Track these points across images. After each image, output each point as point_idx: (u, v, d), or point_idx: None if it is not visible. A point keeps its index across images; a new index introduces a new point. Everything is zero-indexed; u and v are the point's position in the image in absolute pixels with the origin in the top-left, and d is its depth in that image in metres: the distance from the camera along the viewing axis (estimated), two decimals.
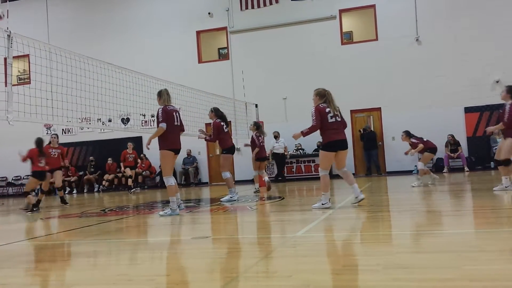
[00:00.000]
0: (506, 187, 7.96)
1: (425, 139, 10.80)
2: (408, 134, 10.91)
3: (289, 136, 15.13)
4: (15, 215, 9.96)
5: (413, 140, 10.71)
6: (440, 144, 16.14)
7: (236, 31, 18.52)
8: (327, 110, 6.96)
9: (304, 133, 7.06)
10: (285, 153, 16.50)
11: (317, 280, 3.08)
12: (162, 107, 7.37)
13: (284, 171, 16.69)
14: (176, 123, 7.41)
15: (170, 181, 7.34)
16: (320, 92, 7.11)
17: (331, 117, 6.96)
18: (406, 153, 11.23)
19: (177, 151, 7.46)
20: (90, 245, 5.22)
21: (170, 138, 7.30)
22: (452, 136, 15.91)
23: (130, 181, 15.41)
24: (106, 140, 19.37)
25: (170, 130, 7.26)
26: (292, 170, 16.80)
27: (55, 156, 11.33)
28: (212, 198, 10.84)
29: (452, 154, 15.87)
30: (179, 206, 7.52)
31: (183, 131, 7.77)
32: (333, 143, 6.97)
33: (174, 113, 7.44)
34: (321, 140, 7.23)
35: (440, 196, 8.62)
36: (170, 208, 7.36)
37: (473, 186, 10.29)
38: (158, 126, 7.24)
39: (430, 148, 10.62)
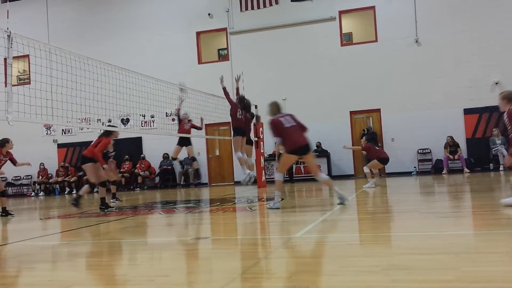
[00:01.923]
0: None
1: (378, 148, 11.75)
2: (368, 140, 11.78)
3: None
4: (15, 215, 9.95)
5: (364, 145, 11.51)
6: (439, 145, 16.20)
7: (236, 32, 18.53)
8: None
9: None
10: None
11: (316, 281, 3.09)
12: (270, 120, 7.59)
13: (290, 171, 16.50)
14: (288, 125, 7.41)
15: (278, 176, 7.58)
16: (508, 95, 6.53)
17: None
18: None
19: (299, 150, 7.37)
20: (90, 245, 5.23)
21: (289, 141, 7.38)
22: (451, 137, 15.93)
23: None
24: None
25: (284, 134, 7.39)
26: (292, 171, 16.73)
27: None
28: (212, 199, 10.84)
29: (451, 156, 15.87)
30: (341, 199, 7.39)
31: (305, 130, 7.62)
32: None
33: (283, 118, 7.51)
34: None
35: (439, 198, 8.63)
36: (273, 202, 7.45)
37: (472, 187, 10.30)
38: None
39: (380, 158, 11.25)
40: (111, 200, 11.63)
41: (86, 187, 9.31)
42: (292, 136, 7.35)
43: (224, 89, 10.54)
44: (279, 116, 7.55)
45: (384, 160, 11.34)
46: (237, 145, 10.09)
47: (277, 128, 7.45)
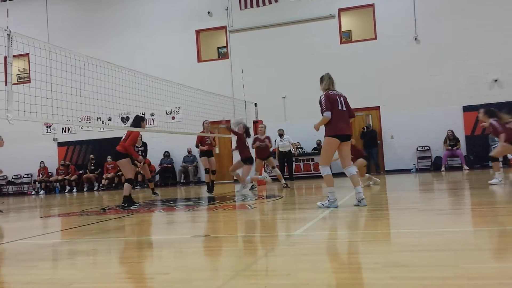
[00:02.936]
0: (500, 181, 9.06)
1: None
2: None
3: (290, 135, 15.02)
4: (15, 213, 9.97)
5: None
6: (439, 142, 16.21)
7: (236, 30, 18.53)
8: None
9: None
10: (293, 150, 16.32)
11: (316, 279, 3.10)
12: (324, 93, 6.92)
13: (286, 168, 16.51)
14: (340, 108, 6.83)
15: (325, 170, 6.86)
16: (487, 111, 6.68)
17: None
18: None
19: (343, 137, 6.84)
20: (90, 243, 5.24)
21: (335, 124, 6.78)
22: (452, 131, 15.92)
23: (207, 177, 11.88)
24: (106, 139, 19.38)
25: (335, 116, 6.78)
26: (291, 168, 16.73)
27: None
28: (211, 197, 10.85)
29: (450, 147, 15.81)
30: (360, 202, 6.79)
31: (353, 116, 7.08)
32: None
33: (338, 98, 6.89)
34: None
35: (439, 195, 8.65)
36: (328, 200, 6.83)
37: (471, 184, 10.31)
38: (322, 114, 6.84)
39: (364, 156, 11.10)
40: (152, 195, 11.86)
41: (126, 185, 9.23)
42: (339, 122, 6.78)
43: (232, 130, 11.44)
44: (335, 94, 6.90)
45: (367, 157, 11.43)
46: (249, 171, 11.13)
47: (331, 104, 6.80)
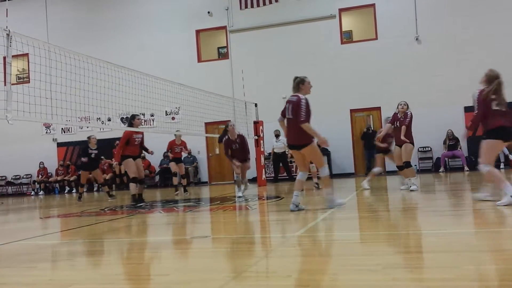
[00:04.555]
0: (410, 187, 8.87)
1: None
2: None
3: None
4: (14, 214, 9.96)
5: None
6: (440, 143, 16.19)
7: (236, 30, 18.51)
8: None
9: None
10: (288, 152, 16.33)
11: (316, 280, 3.08)
12: None
13: (282, 169, 16.53)
14: (287, 115, 6.59)
15: (298, 175, 6.92)
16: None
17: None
18: None
19: (289, 146, 6.81)
20: (90, 244, 5.22)
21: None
22: (451, 131, 15.92)
23: (175, 180, 12.75)
24: (105, 139, 19.34)
25: (286, 123, 6.71)
26: (289, 169, 16.71)
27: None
28: (212, 198, 10.83)
29: (450, 141, 15.81)
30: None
31: (300, 122, 6.43)
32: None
33: (288, 104, 6.57)
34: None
35: (440, 196, 8.63)
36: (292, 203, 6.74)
37: (472, 185, 10.28)
38: None
39: None
40: (109, 199, 11.82)
41: (131, 185, 9.63)
42: (287, 130, 6.75)
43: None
44: (287, 101, 6.64)
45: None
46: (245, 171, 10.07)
47: (283, 114, 6.75)
